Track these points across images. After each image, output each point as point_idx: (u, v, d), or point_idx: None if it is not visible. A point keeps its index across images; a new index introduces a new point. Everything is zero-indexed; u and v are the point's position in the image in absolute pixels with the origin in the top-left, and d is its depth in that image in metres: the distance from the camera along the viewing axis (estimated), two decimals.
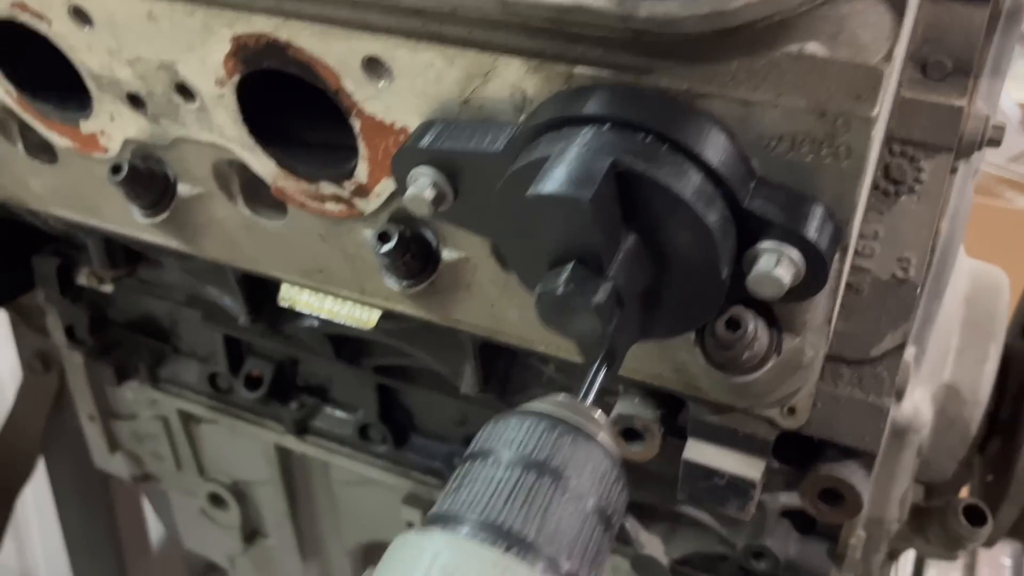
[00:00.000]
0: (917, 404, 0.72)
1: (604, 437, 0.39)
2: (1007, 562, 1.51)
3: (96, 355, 1.04)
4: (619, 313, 0.39)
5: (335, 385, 0.95)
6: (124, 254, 0.90)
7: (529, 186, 0.39)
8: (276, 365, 0.95)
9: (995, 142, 0.61)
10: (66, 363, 1.13)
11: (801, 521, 0.79)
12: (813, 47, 0.37)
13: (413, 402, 0.92)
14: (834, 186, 0.39)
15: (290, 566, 1.15)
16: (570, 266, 0.38)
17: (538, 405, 0.40)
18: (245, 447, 1.05)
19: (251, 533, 1.14)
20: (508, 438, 0.38)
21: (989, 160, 2.12)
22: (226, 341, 0.95)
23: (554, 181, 0.37)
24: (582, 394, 0.42)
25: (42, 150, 0.65)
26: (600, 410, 0.41)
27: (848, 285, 0.54)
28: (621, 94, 0.39)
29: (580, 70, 0.41)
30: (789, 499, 0.78)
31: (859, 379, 0.53)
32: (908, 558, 1.51)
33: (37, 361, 1.32)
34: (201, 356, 1.01)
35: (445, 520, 0.35)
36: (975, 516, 0.72)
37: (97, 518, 1.46)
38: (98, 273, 0.94)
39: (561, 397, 0.41)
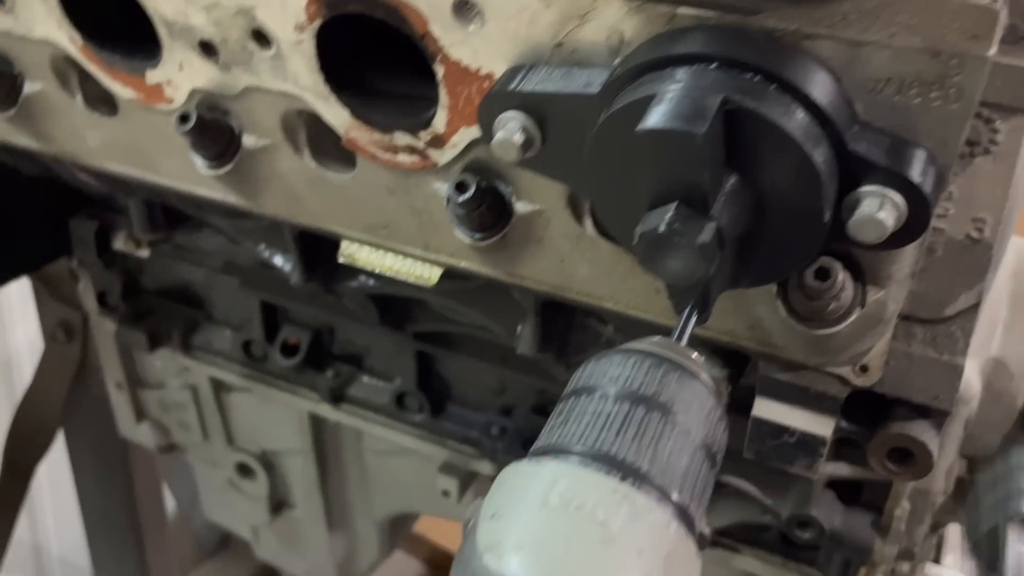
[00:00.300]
0: (968, 376, 0.72)
1: (705, 377, 0.39)
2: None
3: (128, 322, 1.03)
4: (720, 254, 0.39)
5: (373, 353, 0.95)
6: (164, 217, 0.90)
7: (632, 125, 0.38)
8: (313, 332, 0.94)
9: None
10: (96, 331, 1.12)
11: (846, 492, 0.79)
12: None
13: (451, 371, 0.92)
14: (939, 130, 0.39)
15: (316, 537, 1.15)
16: (674, 205, 0.38)
17: (639, 345, 0.39)
18: (277, 416, 1.04)
19: (278, 504, 1.14)
20: (613, 374, 0.37)
21: None
22: (263, 308, 0.95)
23: (665, 116, 0.37)
24: (675, 337, 0.42)
25: (101, 102, 0.65)
26: (696, 352, 0.40)
27: None
28: (728, 33, 0.39)
29: (683, 11, 0.40)
30: (835, 469, 0.78)
31: (932, 338, 0.53)
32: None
33: (60, 331, 1.31)
34: (235, 324, 1.01)
35: (555, 451, 0.35)
36: None
37: (115, 491, 1.46)
38: (136, 236, 0.94)
39: (658, 339, 0.41)
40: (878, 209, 0.39)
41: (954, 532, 1.57)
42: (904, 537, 0.77)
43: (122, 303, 1.03)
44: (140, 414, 1.17)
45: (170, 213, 0.90)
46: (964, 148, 0.55)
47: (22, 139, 0.70)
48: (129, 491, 1.45)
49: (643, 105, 0.39)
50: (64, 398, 1.34)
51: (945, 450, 0.75)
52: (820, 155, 0.38)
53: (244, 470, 1.12)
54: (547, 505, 0.32)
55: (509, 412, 0.90)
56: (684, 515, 0.34)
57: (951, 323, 0.53)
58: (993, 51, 0.37)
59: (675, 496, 0.34)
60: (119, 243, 0.96)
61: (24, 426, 1.38)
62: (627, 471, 0.34)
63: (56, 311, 1.29)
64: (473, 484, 0.96)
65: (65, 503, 1.77)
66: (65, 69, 0.64)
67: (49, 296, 1.29)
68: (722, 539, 0.83)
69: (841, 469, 0.78)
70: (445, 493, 0.93)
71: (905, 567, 0.79)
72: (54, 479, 1.73)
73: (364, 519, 1.12)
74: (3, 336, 1.69)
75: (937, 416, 0.54)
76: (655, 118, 0.37)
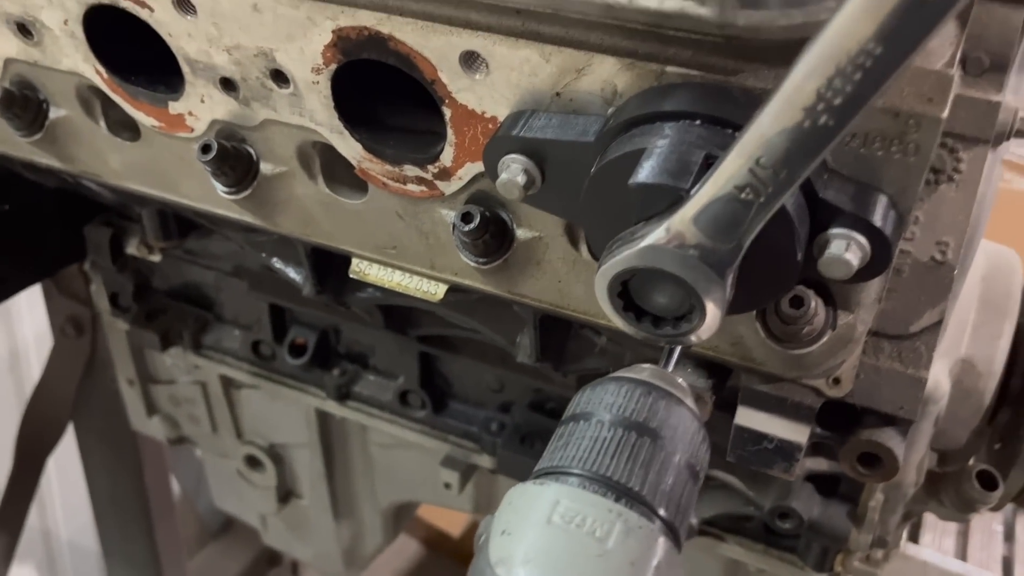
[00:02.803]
0: (937, 376, 0.77)
1: (690, 402, 0.43)
2: (999, 528, 1.58)
3: (140, 322, 1.08)
4: None
5: (377, 353, 0.99)
6: (176, 225, 0.94)
7: (625, 175, 0.43)
8: (320, 333, 0.99)
9: (1022, 133, 0.66)
10: (108, 329, 1.17)
11: (824, 485, 0.84)
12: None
13: (452, 370, 0.97)
14: (899, 179, 0.44)
15: (322, 525, 1.20)
16: None
17: (630, 373, 0.44)
18: (285, 411, 1.09)
19: (286, 494, 1.19)
20: (608, 402, 0.42)
21: None
22: (271, 310, 0.99)
23: (655, 171, 0.41)
24: (663, 363, 0.47)
25: (124, 128, 0.68)
26: (681, 378, 0.45)
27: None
28: (711, 92, 0.43)
29: (671, 69, 0.45)
30: (814, 464, 0.84)
31: (899, 353, 0.58)
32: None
33: (69, 326, 1.34)
34: (244, 324, 1.05)
35: (557, 473, 0.40)
36: (987, 481, 0.78)
37: (124, 479, 1.50)
38: (149, 243, 0.98)
39: (647, 366, 0.45)
40: (844, 250, 0.43)
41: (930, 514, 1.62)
42: (878, 526, 0.82)
43: (134, 304, 1.07)
44: (151, 408, 1.21)
45: (182, 221, 0.94)
46: (930, 176, 0.60)
47: (47, 159, 0.73)
48: (138, 478, 1.49)
49: (634, 157, 0.43)
50: (74, 391, 1.38)
51: (916, 446, 0.80)
52: (792, 204, 0.42)
53: (253, 462, 1.17)
54: (551, 523, 0.37)
55: (508, 409, 0.95)
56: (670, 529, 0.39)
57: (916, 339, 0.58)
58: (946, 113, 0.41)
59: (662, 512, 0.39)
60: (132, 248, 1.00)
61: (35, 418, 1.42)
62: (620, 492, 0.38)
63: (65, 307, 1.32)
64: (473, 476, 1.01)
65: (72, 489, 1.82)
66: (89, 97, 0.67)
67: (58, 292, 1.32)
68: (709, 528, 0.89)
69: (819, 464, 0.83)
70: (447, 485, 0.98)
71: (879, 554, 0.84)
72: (61, 466, 1.77)
73: (369, 508, 1.17)
74: (11, 329, 1.72)
75: (903, 424, 0.59)
76: (645, 173, 0.42)
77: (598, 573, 0.36)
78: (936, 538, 1.54)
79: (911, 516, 0.86)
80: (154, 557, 1.58)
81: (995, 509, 0.86)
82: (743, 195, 0.37)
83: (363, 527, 1.20)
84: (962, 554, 1.51)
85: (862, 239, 0.44)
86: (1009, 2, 0.59)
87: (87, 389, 1.37)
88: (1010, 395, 0.85)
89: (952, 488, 0.81)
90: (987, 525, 1.58)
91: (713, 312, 0.42)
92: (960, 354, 0.83)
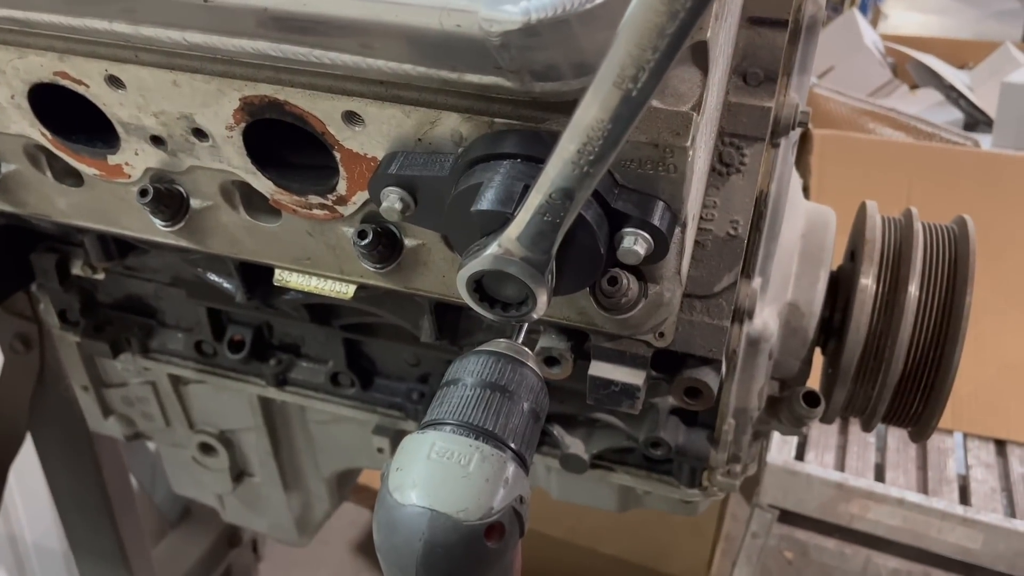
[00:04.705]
0: (766, 320, 0.95)
1: (532, 364, 0.59)
2: (872, 440, 1.81)
3: (89, 334, 1.19)
4: None
5: (307, 342, 1.13)
6: (116, 247, 1.06)
7: (471, 202, 0.58)
8: (255, 330, 1.12)
9: (803, 124, 0.83)
10: (59, 342, 1.28)
11: (686, 416, 1.02)
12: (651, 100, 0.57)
13: (374, 351, 1.12)
14: (668, 189, 0.60)
15: (274, 498, 1.34)
16: None
17: (488, 347, 0.60)
18: (231, 401, 1.22)
19: (239, 474, 1.33)
20: (471, 369, 0.58)
21: (853, 95, 2.38)
22: (209, 313, 1.12)
23: (488, 201, 0.57)
24: (514, 336, 0.63)
25: (68, 175, 0.81)
26: (527, 348, 0.61)
27: (697, 242, 0.76)
28: (528, 137, 0.59)
29: (499, 120, 0.60)
30: (675, 401, 1.01)
31: (706, 309, 0.75)
32: (791, 443, 1.79)
33: (18, 342, 1.44)
34: (186, 327, 1.18)
35: (435, 424, 0.55)
36: (811, 399, 0.97)
37: (85, 479, 1.61)
38: (92, 264, 1.09)
39: (502, 341, 0.61)
40: (633, 244, 0.59)
41: (815, 433, 1.85)
42: (732, 445, 1.00)
43: (82, 318, 1.19)
44: (106, 410, 1.33)
45: (121, 242, 1.06)
46: (722, 168, 0.77)
47: (1, 206, 0.85)
48: (98, 476, 1.60)
49: (475, 190, 0.58)
50: (29, 401, 1.48)
51: (756, 377, 0.98)
52: (591, 214, 0.58)
53: (206, 448, 1.30)
54: (429, 458, 0.53)
55: (425, 380, 1.11)
56: (518, 456, 0.55)
57: (719, 297, 0.75)
58: (689, 143, 0.57)
59: (511, 444, 0.55)
60: (76, 269, 1.11)
61: None
62: (478, 432, 0.54)
63: (11, 325, 1.42)
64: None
65: (33, 494, 1.92)
66: (36, 153, 0.79)
67: (3, 312, 1.42)
68: (600, 462, 1.06)
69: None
70: (380, 450, 1.14)
71: (737, 468, 1.03)
72: (19, 473, 1.86)
73: (314, 478, 1.31)
74: None
75: (715, 363, 0.76)
76: (481, 202, 0.57)
77: (463, 488, 0.51)
78: (819, 454, 1.77)
79: (759, 435, 1.04)
80: (120, 548, 1.69)
81: (825, 421, 1.06)
82: (545, 218, 0.53)
83: (311, 496, 1.35)
84: (841, 466, 1.73)
85: (646, 235, 0.60)
86: (774, 27, 0.77)
87: (41, 399, 1.47)
88: (832, 329, 1.04)
89: (786, 408, 0.99)
90: (863, 438, 1.81)
91: (542, 298, 0.58)
92: (786, 299, 1.01)
